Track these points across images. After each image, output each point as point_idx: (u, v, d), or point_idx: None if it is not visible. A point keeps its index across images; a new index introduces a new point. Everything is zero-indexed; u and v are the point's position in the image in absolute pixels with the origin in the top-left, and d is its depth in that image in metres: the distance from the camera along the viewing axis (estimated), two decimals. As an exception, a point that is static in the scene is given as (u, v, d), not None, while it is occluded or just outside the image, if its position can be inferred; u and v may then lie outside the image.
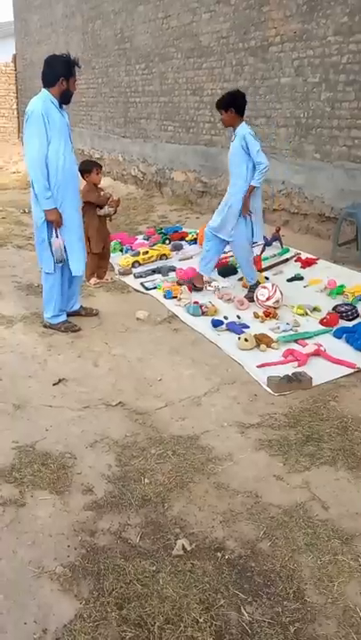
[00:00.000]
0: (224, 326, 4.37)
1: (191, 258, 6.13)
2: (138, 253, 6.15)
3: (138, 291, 5.37)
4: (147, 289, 5.36)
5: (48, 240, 4.11)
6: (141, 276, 5.69)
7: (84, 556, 2.18)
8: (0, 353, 3.93)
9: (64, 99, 4.01)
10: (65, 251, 4.15)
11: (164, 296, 5.08)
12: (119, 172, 11.03)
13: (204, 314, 4.63)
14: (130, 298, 5.21)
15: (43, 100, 3.91)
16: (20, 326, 4.43)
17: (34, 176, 3.94)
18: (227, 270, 5.56)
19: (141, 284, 5.48)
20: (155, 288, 5.34)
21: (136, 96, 10.09)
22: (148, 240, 6.79)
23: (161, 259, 6.17)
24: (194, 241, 6.61)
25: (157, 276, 5.68)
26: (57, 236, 4.07)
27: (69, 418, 3.15)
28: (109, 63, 10.91)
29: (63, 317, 4.40)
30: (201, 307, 4.68)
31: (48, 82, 3.94)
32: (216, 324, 4.39)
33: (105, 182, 11.20)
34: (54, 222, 4.04)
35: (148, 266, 6.00)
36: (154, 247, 6.39)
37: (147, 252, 6.18)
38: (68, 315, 4.48)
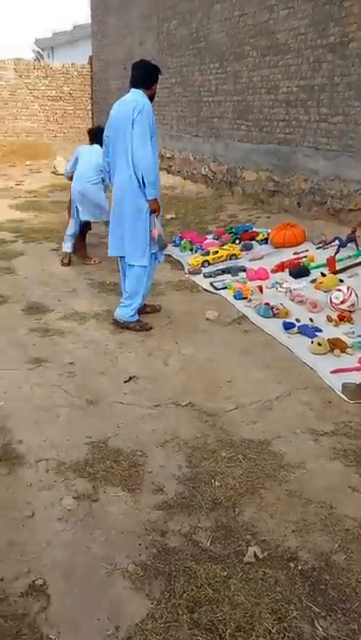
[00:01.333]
0: (296, 329, 4.28)
1: (262, 258, 6.05)
2: (208, 253, 6.13)
3: (207, 290, 5.35)
4: (216, 289, 5.34)
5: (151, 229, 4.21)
6: (211, 276, 5.67)
7: (155, 556, 2.18)
8: (74, 349, 4.03)
9: (150, 101, 4.22)
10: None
11: (234, 296, 5.04)
12: (189, 172, 11.06)
13: (275, 315, 4.56)
14: (199, 297, 5.20)
15: (146, 99, 4.13)
16: (93, 323, 4.52)
17: (151, 166, 4.04)
18: (299, 271, 5.45)
19: (211, 283, 5.46)
20: (224, 288, 5.31)
21: (209, 95, 10.08)
22: (217, 239, 6.76)
23: (231, 259, 6.13)
24: (265, 241, 6.52)
25: (227, 276, 5.64)
26: (154, 226, 4.20)
27: (140, 415, 3.17)
28: (183, 63, 10.96)
29: (137, 316, 4.45)
30: (272, 308, 4.60)
31: (145, 84, 4.17)
32: (287, 326, 4.30)
33: (175, 181, 11.28)
34: (157, 211, 4.17)
35: (218, 265, 5.97)
36: (224, 247, 6.35)
37: (216, 252, 6.16)
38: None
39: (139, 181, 4.09)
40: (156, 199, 4.14)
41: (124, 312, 4.41)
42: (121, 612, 1.93)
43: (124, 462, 2.72)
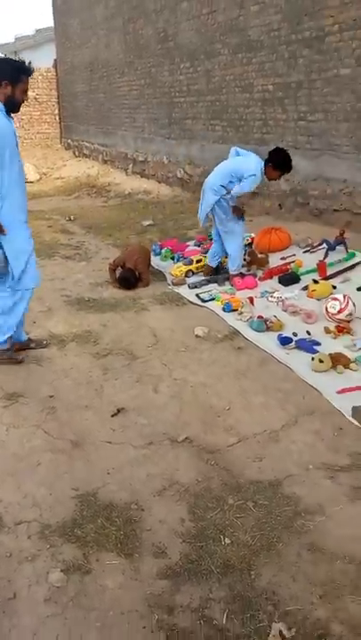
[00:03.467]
0: (293, 344, 3.97)
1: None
2: (191, 262, 5.80)
3: (193, 303, 5.02)
4: (203, 301, 5.01)
5: None
6: (196, 287, 5.34)
7: (163, 643, 1.84)
8: (53, 379, 3.66)
9: (10, 106, 3.57)
10: (7, 262, 3.66)
11: (223, 309, 4.72)
12: (164, 175, 10.72)
13: (268, 329, 4.25)
14: (185, 311, 4.87)
15: None
16: (73, 347, 4.15)
17: None
18: (289, 278, 5.15)
19: (197, 295, 5.13)
20: (212, 300, 4.98)
21: (181, 96, 9.75)
22: (200, 246, 6.42)
23: (215, 267, 5.80)
24: (249, 246, 6.21)
25: (213, 286, 5.32)
26: None
27: (132, 457, 2.82)
28: (152, 63, 10.61)
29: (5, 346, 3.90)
30: (265, 321, 4.29)
31: None
32: (284, 341, 3.99)
33: (150, 185, 10.93)
34: None
35: (203, 275, 5.65)
36: (207, 254, 6.02)
37: (200, 260, 5.82)
38: (16, 349, 3.98)
39: None
40: None
41: None
42: None
43: (117, 520, 2.37)
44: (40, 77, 16.89)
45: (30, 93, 17.64)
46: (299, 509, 2.41)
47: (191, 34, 9.08)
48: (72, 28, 15.20)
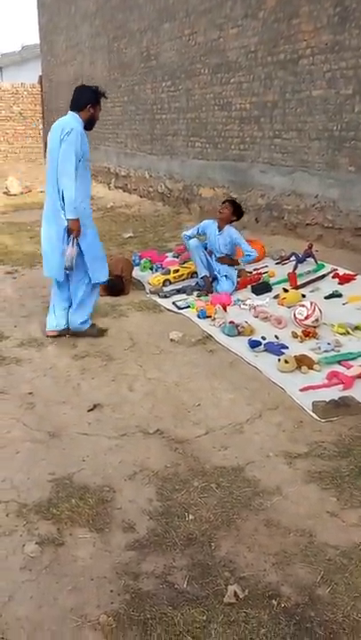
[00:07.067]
0: (262, 347, 4.20)
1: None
2: (168, 272, 6.03)
3: (170, 310, 5.24)
4: (179, 308, 5.23)
5: (64, 248, 4.26)
6: (166, 296, 5.54)
7: (128, 603, 2.02)
8: (33, 378, 3.83)
9: (89, 125, 4.30)
10: (75, 260, 4.27)
11: (198, 316, 4.94)
12: (145, 189, 11.00)
13: (240, 334, 4.47)
14: (162, 318, 5.08)
15: (78, 122, 4.20)
16: (52, 348, 4.34)
17: (69, 187, 4.10)
18: (261, 287, 5.41)
19: (174, 303, 5.35)
20: (188, 307, 5.20)
21: (162, 113, 10.07)
22: (177, 257, 6.67)
23: (192, 276, 6.04)
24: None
25: (183, 295, 5.53)
26: (72, 246, 4.22)
27: (106, 447, 3.01)
28: (135, 81, 10.94)
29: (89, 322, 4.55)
30: (237, 326, 4.52)
31: (77, 106, 4.23)
32: (253, 344, 4.22)
33: (132, 199, 11.20)
34: (75, 231, 4.21)
35: (174, 286, 5.86)
36: (184, 265, 6.27)
37: (177, 270, 6.06)
38: (58, 334, 4.54)
39: (62, 201, 4.17)
40: (77, 219, 4.18)
41: (77, 321, 4.51)
42: (94, 673, 1.77)
43: (90, 500, 2.55)
44: (25, 93, 17.18)
45: (15, 108, 17.94)
46: (258, 490, 2.62)
47: (173, 54, 9.43)
48: (58, 45, 15.54)
